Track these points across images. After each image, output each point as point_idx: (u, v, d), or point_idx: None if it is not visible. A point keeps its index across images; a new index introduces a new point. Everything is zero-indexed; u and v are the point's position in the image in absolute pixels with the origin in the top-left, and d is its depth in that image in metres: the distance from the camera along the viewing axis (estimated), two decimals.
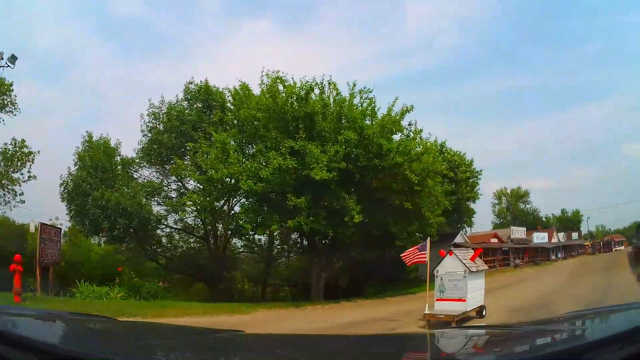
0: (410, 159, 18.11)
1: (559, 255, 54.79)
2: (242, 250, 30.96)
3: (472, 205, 31.12)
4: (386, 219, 19.67)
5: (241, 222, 19.06)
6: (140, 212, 21.31)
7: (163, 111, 24.06)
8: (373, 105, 19.11)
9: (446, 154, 28.40)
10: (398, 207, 19.05)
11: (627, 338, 1.25)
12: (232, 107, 22.31)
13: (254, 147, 19.54)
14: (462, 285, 11.52)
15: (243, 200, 22.20)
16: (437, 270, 12.07)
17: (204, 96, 24.05)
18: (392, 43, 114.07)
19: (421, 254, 12.70)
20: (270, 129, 18.74)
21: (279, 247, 30.30)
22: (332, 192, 17.57)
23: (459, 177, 28.17)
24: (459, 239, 31.59)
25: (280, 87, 18.72)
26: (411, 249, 13.16)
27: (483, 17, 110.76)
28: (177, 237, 28.14)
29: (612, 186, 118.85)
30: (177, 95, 24.77)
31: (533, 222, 60.84)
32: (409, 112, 18.72)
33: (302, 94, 18.21)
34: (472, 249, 14.35)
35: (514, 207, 66.36)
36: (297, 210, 17.13)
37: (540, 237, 48.13)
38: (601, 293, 15.51)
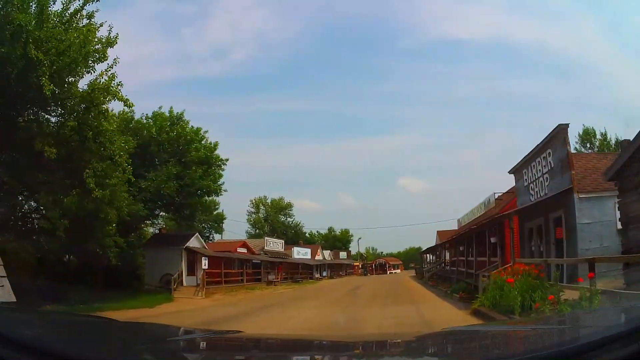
0: (63, 63, 11.91)
1: (324, 273, 55.88)
2: None
3: (224, 211, 26.25)
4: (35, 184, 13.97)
5: None
6: None
7: None
8: None
9: (179, 127, 22.95)
10: (41, 156, 12.43)
11: (627, 338, 1.22)
12: None
13: None
14: None
15: None
16: None
17: None
18: (188, 46, 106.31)
19: None
20: None
21: None
22: None
23: (189, 157, 22.57)
24: (193, 243, 26.23)
25: None
26: None
27: (282, 39, 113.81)
28: None
29: (386, 212, 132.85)
30: None
31: (295, 236, 60.84)
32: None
33: None
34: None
35: (273, 219, 63.47)
36: None
37: (302, 253, 47.50)
38: None
